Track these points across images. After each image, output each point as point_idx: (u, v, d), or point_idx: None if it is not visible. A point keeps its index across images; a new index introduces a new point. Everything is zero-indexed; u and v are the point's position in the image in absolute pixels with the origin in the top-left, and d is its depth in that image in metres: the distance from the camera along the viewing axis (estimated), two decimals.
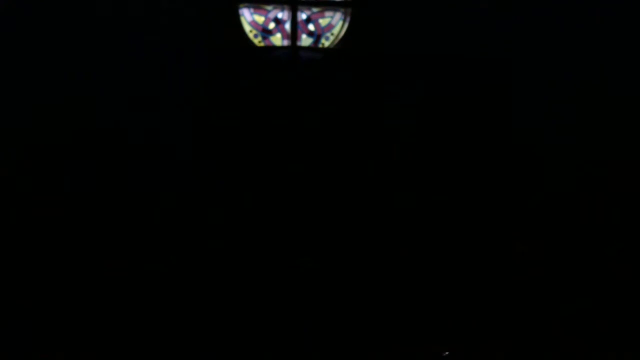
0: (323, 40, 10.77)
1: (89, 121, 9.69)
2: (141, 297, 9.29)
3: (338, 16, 10.79)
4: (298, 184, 9.97)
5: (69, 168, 9.62)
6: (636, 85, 10.15)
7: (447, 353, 8.45)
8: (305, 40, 10.77)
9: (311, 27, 10.79)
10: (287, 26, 10.72)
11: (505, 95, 10.18)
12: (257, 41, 10.69)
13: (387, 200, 9.99)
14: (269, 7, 10.72)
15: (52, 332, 8.89)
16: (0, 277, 9.18)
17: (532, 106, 10.15)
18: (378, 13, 10.39)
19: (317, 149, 10.04)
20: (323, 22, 10.79)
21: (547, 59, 10.17)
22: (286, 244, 9.78)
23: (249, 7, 10.68)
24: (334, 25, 10.79)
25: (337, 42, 10.74)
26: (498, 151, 10.10)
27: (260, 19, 10.71)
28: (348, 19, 10.74)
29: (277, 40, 10.74)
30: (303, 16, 10.77)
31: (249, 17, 10.68)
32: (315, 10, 10.80)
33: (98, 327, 9.09)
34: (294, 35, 10.70)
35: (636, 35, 10.19)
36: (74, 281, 9.28)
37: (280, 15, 10.73)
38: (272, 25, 10.73)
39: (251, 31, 10.68)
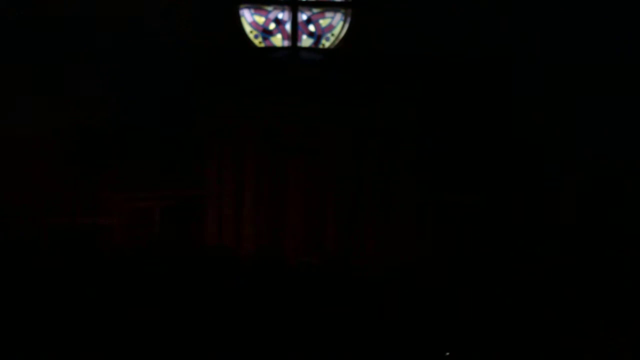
0: (323, 41, 10.78)
1: (89, 121, 9.71)
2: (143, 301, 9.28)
3: (338, 17, 10.80)
4: (297, 182, 9.97)
5: (75, 165, 9.67)
6: (636, 84, 10.16)
7: (447, 353, 8.42)
8: (306, 41, 10.78)
9: (311, 28, 10.80)
10: (288, 26, 10.73)
11: (505, 95, 10.19)
12: (258, 41, 10.69)
13: (387, 200, 9.99)
14: (269, 8, 10.73)
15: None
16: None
17: (532, 106, 10.16)
18: (378, 13, 10.40)
19: (317, 149, 10.04)
20: (323, 22, 10.80)
21: (547, 58, 10.17)
22: (285, 242, 9.78)
23: (249, 8, 10.69)
24: (334, 25, 10.80)
25: (337, 42, 10.75)
26: (498, 150, 10.11)
27: (261, 19, 10.72)
28: (348, 20, 10.74)
29: (277, 40, 10.75)
30: (303, 17, 10.78)
31: (249, 18, 10.69)
32: (315, 10, 10.81)
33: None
34: (294, 36, 10.72)
35: (636, 36, 10.19)
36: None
37: (280, 16, 10.74)
38: (272, 26, 10.74)
39: (251, 31, 10.68)
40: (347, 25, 10.72)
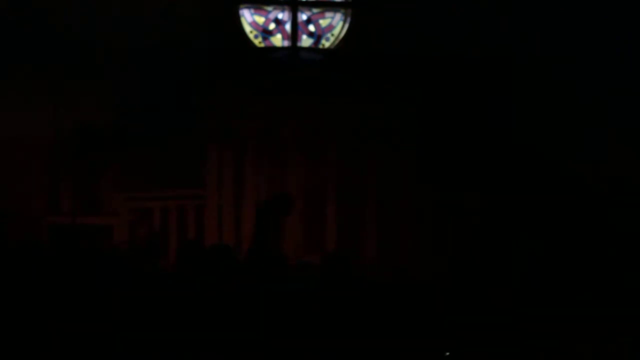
0: (323, 41, 10.78)
1: (90, 121, 9.73)
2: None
3: (338, 17, 10.81)
4: (297, 182, 9.97)
5: (75, 165, 9.74)
6: (634, 84, 10.16)
7: (447, 353, 8.42)
8: (306, 41, 10.79)
9: (311, 28, 10.80)
10: (287, 27, 10.73)
11: (505, 94, 10.20)
12: (257, 42, 10.70)
13: (387, 200, 9.99)
14: (269, 8, 10.74)
15: None
16: None
17: (532, 105, 10.17)
18: (378, 13, 10.40)
19: (318, 148, 10.04)
20: (323, 22, 10.81)
21: (547, 58, 10.18)
22: (285, 242, 9.77)
23: (249, 8, 10.69)
24: (334, 25, 10.80)
25: (337, 42, 10.75)
26: (498, 150, 10.11)
27: (260, 20, 10.72)
28: (348, 20, 10.75)
29: (277, 40, 10.75)
30: (303, 17, 10.79)
31: (249, 18, 10.69)
32: (315, 10, 10.81)
33: None
34: (294, 36, 10.72)
35: (635, 37, 10.20)
36: None
37: (280, 16, 10.75)
38: (272, 26, 10.74)
39: (251, 31, 10.69)
40: (347, 25, 10.72)
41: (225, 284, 7.01)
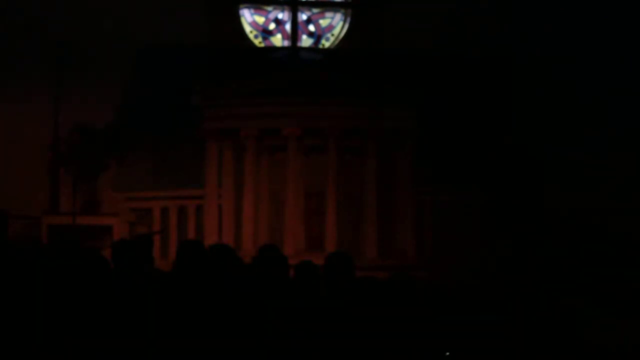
0: (323, 41, 10.78)
1: (90, 121, 9.73)
2: None
3: (338, 17, 10.81)
4: (297, 182, 9.96)
5: (75, 165, 9.77)
6: (634, 84, 10.16)
7: (447, 353, 8.41)
8: (306, 41, 10.79)
9: (311, 28, 10.81)
10: (287, 27, 10.73)
11: (505, 94, 10.20)
12: (257, 41, 10.70)
13: (387, 200, 9.98)
14: (269, 8, 10.74)
15: None
16: None
17: (532, 106, 10.17)
18: (378, 13, 10.40)
19: (317, 148, 10.03)
20: (323, 22, 10.81)
21: (546, 58, 10.18)
22: (285, 242, 9.78)
23: (249, 8, 10.69)
24: (334, 25, 10.80)
25: (337, 42, 10.75)
26: (498, 149, 10.12)
27: (261, 19, 10.72)
28: (348, 20, 10.75)
29: (277, 40, 10.75)
30: (303, 16, 10.79)
31: (249, 18, 10.69)
32: (315, 10, 10.81)
33: None
34: (294, 36, 10.72)
35: (635, 37, 10.20)
36: None
37: (280, 16, 10.75)
38: (272, 26, 10.75)
39: (251, 31, 10.69)
40: (347, 25, 10.72)
41: (228, 286, 7.01)
